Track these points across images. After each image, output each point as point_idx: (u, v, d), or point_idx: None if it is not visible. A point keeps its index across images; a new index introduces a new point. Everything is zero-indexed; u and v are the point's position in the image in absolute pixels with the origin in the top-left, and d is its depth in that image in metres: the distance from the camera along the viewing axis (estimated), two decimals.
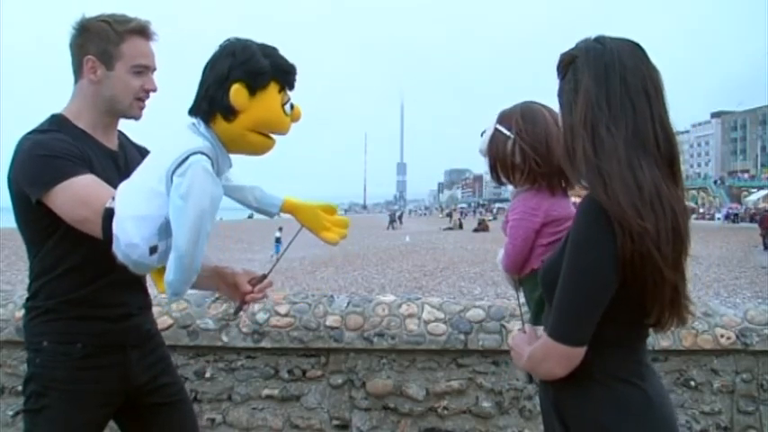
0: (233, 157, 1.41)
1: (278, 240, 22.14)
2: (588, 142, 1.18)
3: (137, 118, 1.65)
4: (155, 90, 1.62)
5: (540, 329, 1.43)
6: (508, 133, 1.47)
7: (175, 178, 1.21)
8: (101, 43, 1.55)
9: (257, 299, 1.59)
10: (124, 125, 1.70)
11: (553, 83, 1.34)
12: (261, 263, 19.14)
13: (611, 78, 1.19)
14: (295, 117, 1.35)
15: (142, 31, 1.58)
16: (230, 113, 1.26)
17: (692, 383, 2.45)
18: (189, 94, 1.34)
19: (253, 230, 38.27)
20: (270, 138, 1.33)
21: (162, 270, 1.31)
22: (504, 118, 1.50)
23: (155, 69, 1.63)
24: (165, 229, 1.24)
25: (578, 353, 1.20)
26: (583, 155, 1.18)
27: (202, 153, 1.24)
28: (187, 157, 1.22)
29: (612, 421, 1.22)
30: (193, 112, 1.31)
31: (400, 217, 48.14)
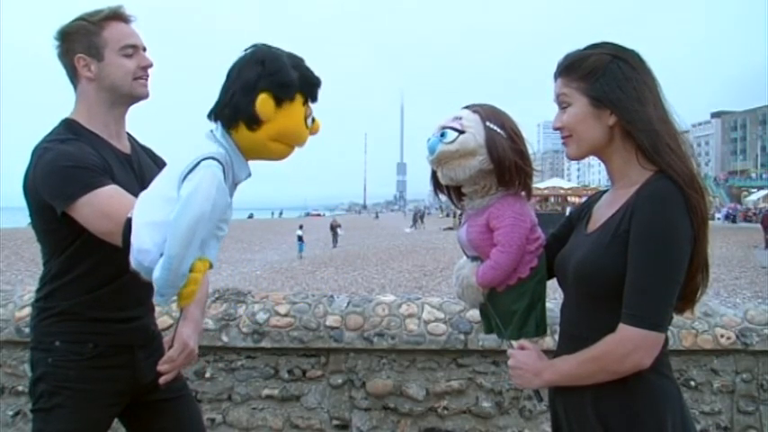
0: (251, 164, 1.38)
1: (300, 239, 22.21)
2: (666, 133, 1.28)
3: (144, 97, 1.65)
4: (151, 65, 1.64)
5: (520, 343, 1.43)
6: (502, 132, 1.38)
7: (185, 183, 1.21)
8: (84, 39, 1.57)
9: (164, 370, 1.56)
10: (143, 119, 1.71)
11: (552, 83, 1.37)
12: (260, 263, 19.16)
13: (655, 77, 1.33)
14: (314, 131, 1.34)
15: (117, 15, 1.60)
16: (254, 123, 1.24)
17: (692, 383, 2.45)
18: (205, 89, 1.32)
19: (253, 230, 38.28)
20: (290, 146, 1.32)
21: None
22: (489, 116, 1.39)
23: (145, 48, 1.64)
24: None
25: (663, 339, 1.24)
26: (666, 142, 1.27)
27: (214, 159, 1.23)
28: (199, 162, 1.21)
29: (660, 416, 1.25)
30: (213, 116, 1.29)
31: (422, 217, 47.51)
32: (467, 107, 1.43)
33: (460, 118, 1.39)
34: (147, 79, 1.63)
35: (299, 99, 1.26)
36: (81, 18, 1.58)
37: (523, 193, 1.45)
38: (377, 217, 77.97)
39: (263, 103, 1.22)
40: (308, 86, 1.28)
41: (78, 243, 1.51)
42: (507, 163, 1.36)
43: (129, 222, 1.29)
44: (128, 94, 1.62)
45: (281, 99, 1.23)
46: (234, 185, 1.33)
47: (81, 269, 1.55)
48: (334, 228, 28.57)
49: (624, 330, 1.22)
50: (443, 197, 1.55)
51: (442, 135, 1.38)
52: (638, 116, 1.27)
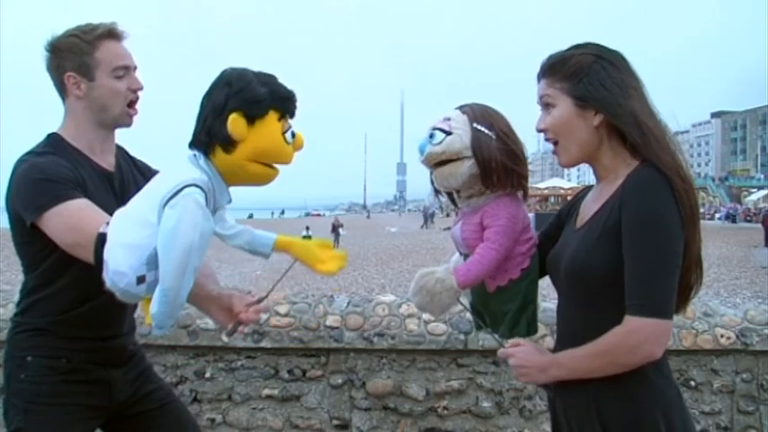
0: (232, 190, 1.37)
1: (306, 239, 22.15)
2: (653, 126, 1.28)
3: (128, 125, 1.63)
4: (141, 88, 1.61)
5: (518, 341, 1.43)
6: (490, 133, 1.36)
7: (167, 210, 1.19)
8: (75, 57, 1.54)
9: (251, 320, 1.50)
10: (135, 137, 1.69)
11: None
12: (261, 263, 19.10)
13: (639, 78, 1.33)
14: (297, 146, 1.32)
15: (111, 33, 1.57)
16: (229, 144, 1.23)
17: (692, 383, 2.45)
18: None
19: None
20: (272, 167, 1.30)
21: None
22: (478, 116, 1.38)
23: (136, 68, 1.61)
24: (154, 260, 1.21)
25: (671, 326, 1.24)
26: (653, 134, 1.27)
27: (197, 186, 1.21)
28: (181, 189, 1.20)
29: (659, 417, 1.24)
30: (193, 144, 1.28)
31: (432, 215, 47.18)
32: (458, 107, 1.42)
33: (450, 119, 1.38)
34: (136, 102, 1.61)
35: (272, 115, 1.25)
36: (74, 34, 1.55)
37: (520, 194, 1.44)
38: (368, 216, 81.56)
39: (235, 122, 1.21)
40: (279, 101, 1.27)
41: (54, 258, 1.48)
42: (494, 164, 1.35)
43: (101, 237, 1.27)
44: (113, 120, 1.60)
45: (252, 117, 1.23)
46: (214, 211, 1.31)
47: (58, 285, 1.52)
48: (336, 227, 28.49)
49: (632, 321, 1.20)
50: (443, 198, 1.55)
51: (431, 136, 1.38)
52: (622, 110, 1.27)
